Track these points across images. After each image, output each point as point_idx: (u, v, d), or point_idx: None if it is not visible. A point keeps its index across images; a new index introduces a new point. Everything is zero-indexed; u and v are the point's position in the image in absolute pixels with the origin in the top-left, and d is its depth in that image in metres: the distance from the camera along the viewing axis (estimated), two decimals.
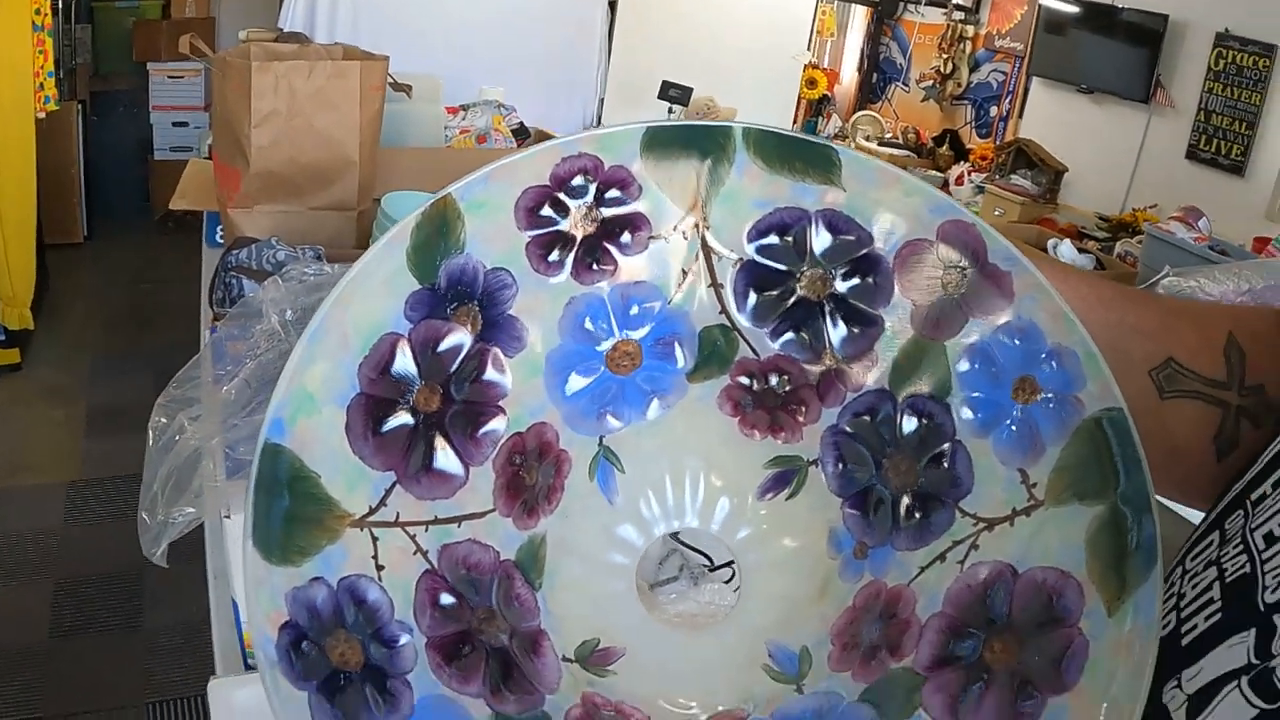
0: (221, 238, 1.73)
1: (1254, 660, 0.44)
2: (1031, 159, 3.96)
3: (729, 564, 0.81)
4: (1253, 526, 0.48)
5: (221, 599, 1.04)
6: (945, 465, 0.48)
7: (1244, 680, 0.44)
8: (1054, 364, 0.46)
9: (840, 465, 0.50)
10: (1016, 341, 0.46)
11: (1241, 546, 0.48)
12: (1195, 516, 0.56)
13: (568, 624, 0.49)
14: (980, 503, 0.47)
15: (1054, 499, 0.45)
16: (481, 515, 0.48)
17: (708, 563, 0.88)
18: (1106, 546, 0.43)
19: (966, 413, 0.47)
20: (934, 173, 4.40)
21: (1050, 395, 0.46)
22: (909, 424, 0.49)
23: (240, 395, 0.96)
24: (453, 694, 0.45)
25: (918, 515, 0.48)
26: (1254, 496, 0.49)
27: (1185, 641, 0.48)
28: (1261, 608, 0.45)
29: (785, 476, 0.51)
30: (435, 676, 0.45)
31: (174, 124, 5.03)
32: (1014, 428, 0.46)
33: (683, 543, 0.87)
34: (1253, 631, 0.45)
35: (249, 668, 0.93)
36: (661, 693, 0.49)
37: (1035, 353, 0.46)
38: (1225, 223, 3.33)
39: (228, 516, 0.86)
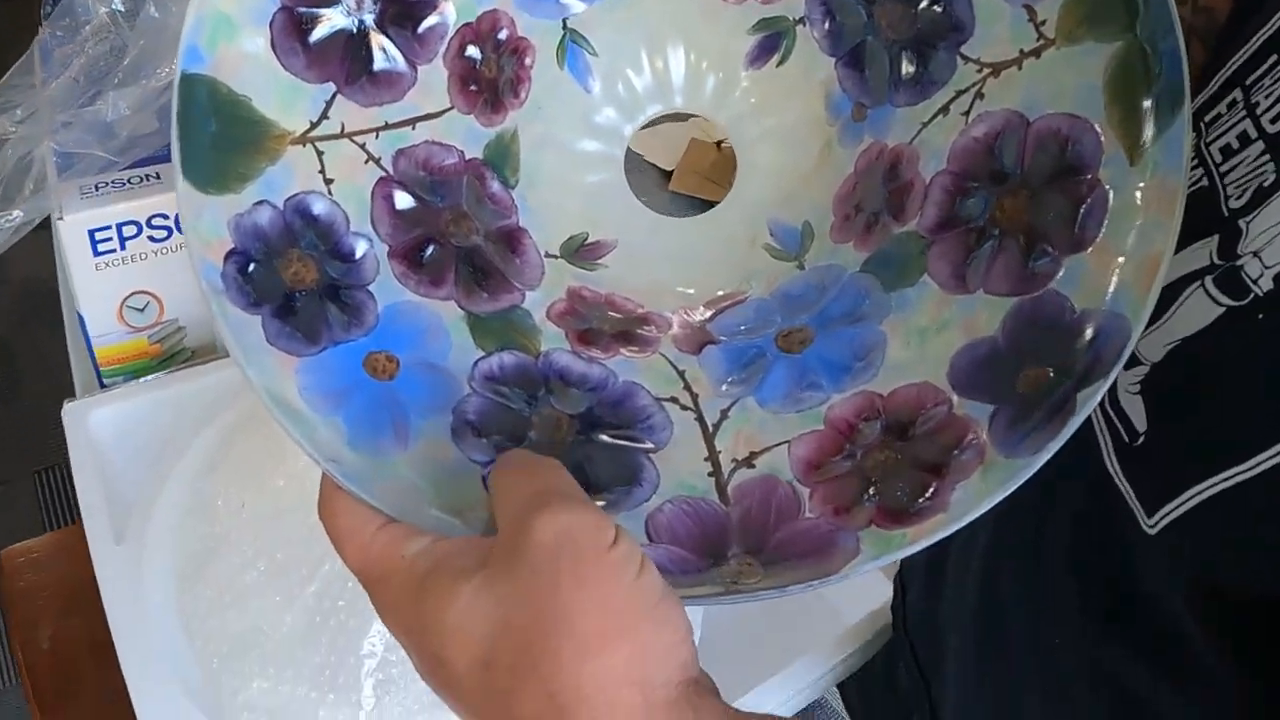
0: None
1: (1218, 261, 0.42)
2: None
3: None
4: (1208, 142, 0.45)
5: (72, 322, 0.97)
6: (942, 7, 0.44)
7: (1207, 280, 0.42)
8: None
9: (829, 20, 0.47)
10: None
11: (1197, 162, 0.45)
12: None
13: (550, 220, 0.47)
14: (983, 46, 0.43)
15: (1066, 37, 0.41)
16: (438, 115, 0.45)
17: None
18: (1127, 87, 0.39)
19: None
20: None
21: None
22: None
23: (69, 92, 0.87)
24: (421, 299, 0.43)
25: (916, 67, 0.45)
26: (1207, 118, 0.46)
27: None
28: (1225, 213, 0.42)
29: (772, 41, 0.48)
30: (401, 284, 0.42)
31: None
32: None
33: None
34: (1216, 237, 0.42)
35: (103, 386, 0.87)
36: (657, 282, 0.47)
37: None
38: None
39: (61, 218, 0.77)
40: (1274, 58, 0.43)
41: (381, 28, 0.44)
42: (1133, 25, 0.39)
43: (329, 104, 0.42)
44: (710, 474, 0.40)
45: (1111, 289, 0.38)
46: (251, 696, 0.63)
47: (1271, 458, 0.36)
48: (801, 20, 0.47)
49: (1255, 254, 0.40)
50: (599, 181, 0.49)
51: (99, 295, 0.81)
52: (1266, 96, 0.43)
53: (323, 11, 0.42)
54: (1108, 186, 0.39)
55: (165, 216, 0.78)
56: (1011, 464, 0.36)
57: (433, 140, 0.45)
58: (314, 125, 0.42)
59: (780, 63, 0.48)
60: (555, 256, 0.47)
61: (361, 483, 0.37)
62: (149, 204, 0.78)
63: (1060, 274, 0.39)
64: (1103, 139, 0.39)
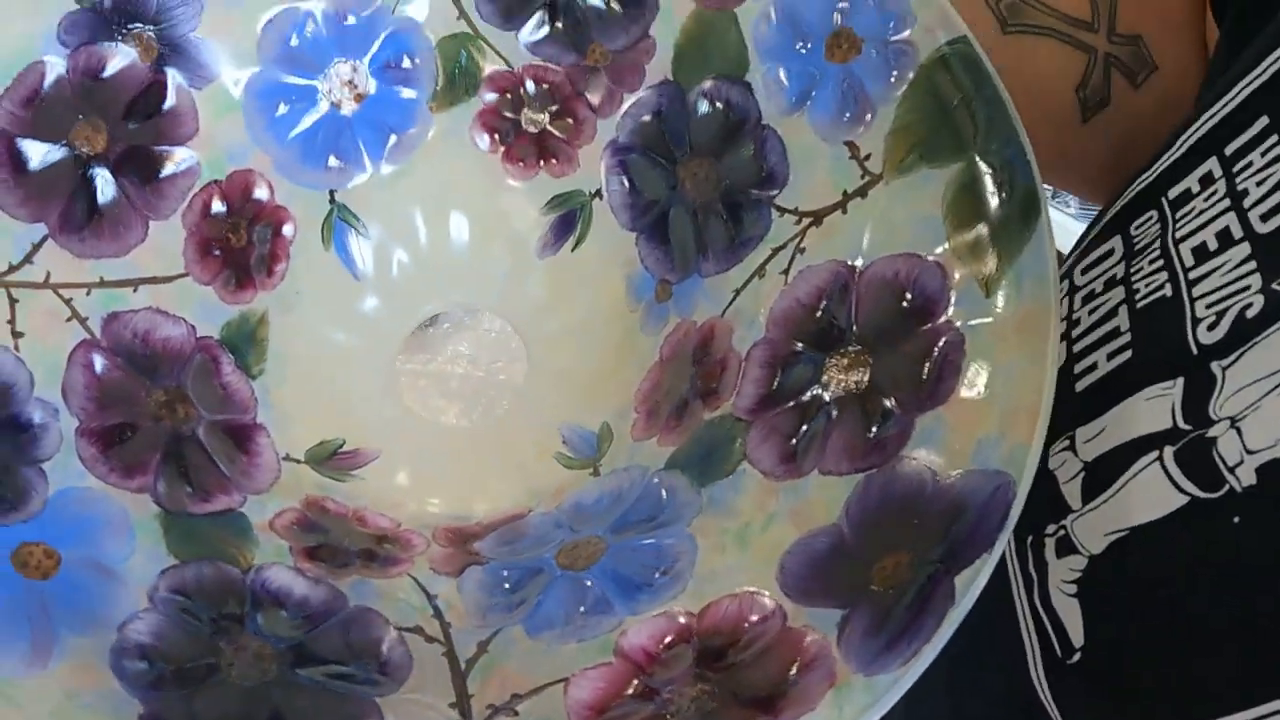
0: None
1: (1181, 424, 0.29)
2: None
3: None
4: (1177, 236, 0.34)
5: None
6: (752, 157, 0.40)
7: (1168, 452, 0.29)
8: (873, 4, 0.37)
9: (628, 189, 0.42)
10: None
11: (1161, 261, 0.34)
12: None
13: (299, 421, 0.41)
14: (801, 193, 0.38)
15: (895, 168, 0.36)
16: (168, 280, 0.40)
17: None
18: (971, 210, 0.34)
19: (772, 89, 0.39)
20: None
21: (874, 44, 0.37)
22: (702, 117, 0.40)
23: None
24: (106, 488, 0.36)
25: (726, 228, 0.40)
26: (1173, 195, 0.35)
27: (1080, 386, 0.34)
28: (1194, 349, 0.30)
29: (566, 222, 0.43)
30: (88, 468, 0.36)
31: None
32: (833, 94, 0.38)
33: None
34: (1180, 382, 0.30)
35: None
36: (422, 500, 0.40)
37: None
38: None
39: None
40: (1264, 121, 0.32)
41: (113, 172, 0.39)
42: (970, 142, 0.34)
43: (36, 247, 0.37)
44: None
45: (982, 445, 0.30)
46: None
47: None
48: (598, 193, 0.42)
49: (1233, 424, 0.28)
50: (366, 383, 0.42)
51: None
52: (1256, 178, 0.31)
53: (47, 145, 0.38)
54: (959, 326, 0.33)
55: None
56: (874, 683, 0.27)
57: (157, 308, 0.39)
58: (13, 268, 0.37)
59: (575, 246, 0.43)
60: (297, 461, 0.40)
61: None
62: None
63: (912, 438, 0.32)
64: (948, 274, 0.34)
